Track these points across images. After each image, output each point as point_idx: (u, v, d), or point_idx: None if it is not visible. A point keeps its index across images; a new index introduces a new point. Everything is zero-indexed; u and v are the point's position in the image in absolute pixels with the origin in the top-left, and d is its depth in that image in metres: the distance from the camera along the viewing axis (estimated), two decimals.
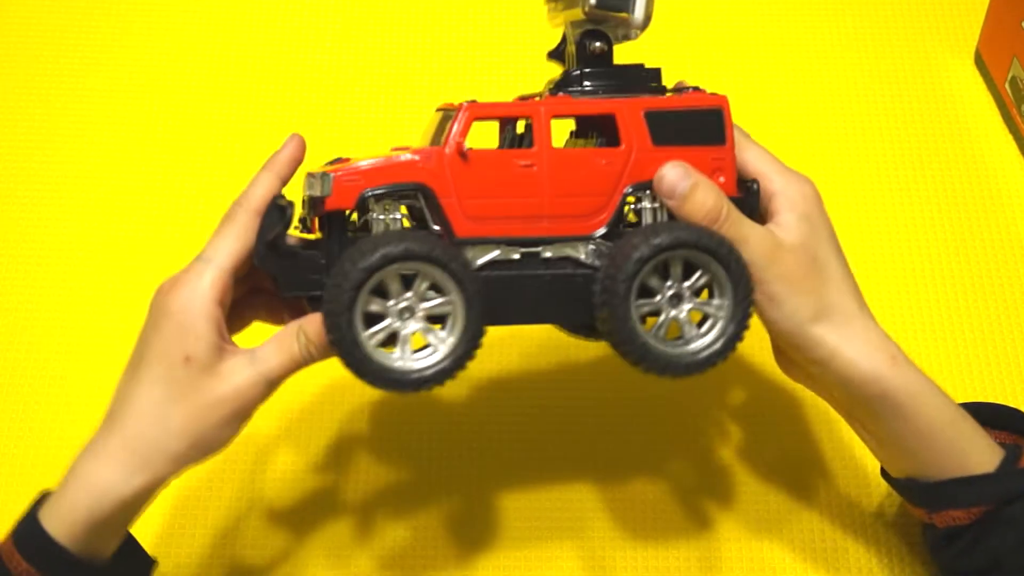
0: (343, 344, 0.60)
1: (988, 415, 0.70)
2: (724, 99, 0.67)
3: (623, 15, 0.65)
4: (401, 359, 0.61)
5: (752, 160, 0.68)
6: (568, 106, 0.65)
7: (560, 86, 0.67)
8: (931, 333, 0.86)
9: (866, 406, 0.67)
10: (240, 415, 0.63)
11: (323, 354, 0.63)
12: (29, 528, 0.62)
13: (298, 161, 0.67)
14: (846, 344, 0.65)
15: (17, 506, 0.77)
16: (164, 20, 1.02)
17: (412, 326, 0.62)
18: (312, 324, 0.62)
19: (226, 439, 0.63)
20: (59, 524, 0.62)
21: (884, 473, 0.72)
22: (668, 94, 0.67)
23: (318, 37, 1.01)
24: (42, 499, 0.64)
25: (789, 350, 0.68)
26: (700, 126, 0.66)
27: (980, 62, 1.00)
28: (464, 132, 0.63)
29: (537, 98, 0.68)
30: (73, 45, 1.00)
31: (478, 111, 0.63)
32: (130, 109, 0.97)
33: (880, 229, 0.91)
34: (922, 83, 0.99)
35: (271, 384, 0.63)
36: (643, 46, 1.03)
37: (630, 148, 0.65)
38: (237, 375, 0.62)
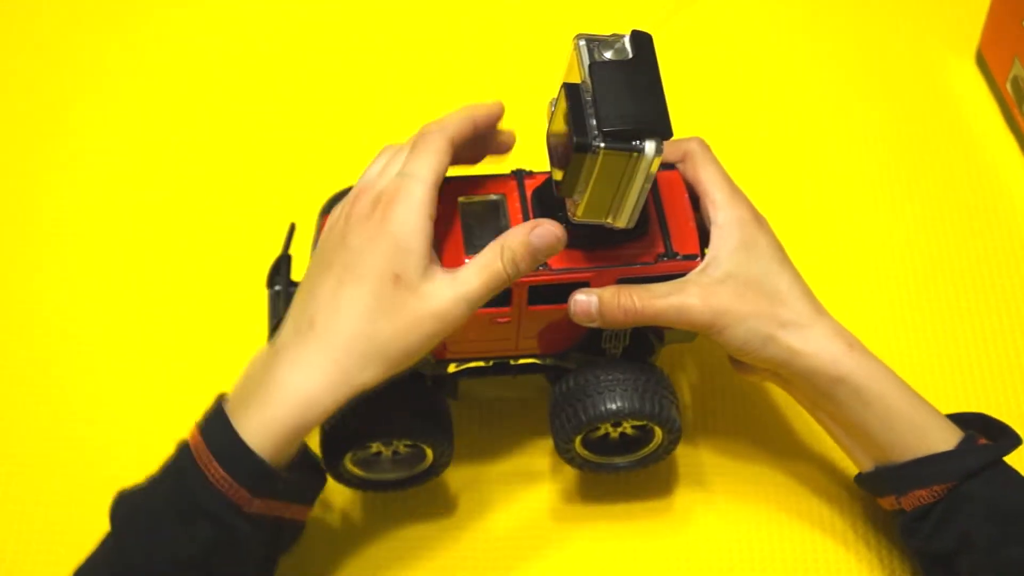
0: None
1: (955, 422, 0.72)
2: (695, 264, 0.70)
3: (608, 221, 0.68)
4: None
5: (703, 181, 0.71)
6: (544, 277, 0.69)
7: None
8: (931, 333, 0.86)
9: (829, 394, 0.70)
10: (441, 333, 0.65)
11: (529, 268, 0.66)
12: (226, 439, 0.63)
13: (494, 122, 0.70)
14: (804, 344, 0.69)
15: (17, 505, 0.77)
16: (163, 20, 1.03)
17: None
18: (515, 238, 0.65)
19: (426, 352, 0.65)
20: (259, 436, 0.63)
21: (856, 478, 0.74)
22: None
23: (320, 31, 1.02)
24: (221, 402, 0.65)
25: (749, 362, 0.71)
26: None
27: (981, 62, 0.99)
28: None
29: (524, 174, 0.72)
30: (74, 45, 1.01)
31: None
32: (130, 109, 0.97)
33: (880, 229, 0.91)
34: (923, 83, 0.99)
35: (472, 304, 0.65)
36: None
37: None
38: (440, 296, 0.64)
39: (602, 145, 0.63)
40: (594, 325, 0.69)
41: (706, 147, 0.73)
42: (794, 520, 0.78)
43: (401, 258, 0.64)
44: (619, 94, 0.64)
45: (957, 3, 1.03)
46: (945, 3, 1.03)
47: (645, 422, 0.72)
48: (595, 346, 0.73)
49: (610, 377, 0.71)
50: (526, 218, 0.70)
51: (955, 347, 0.86)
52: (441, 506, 0.78)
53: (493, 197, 0.71)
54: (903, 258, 0.90)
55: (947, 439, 0.69)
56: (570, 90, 0.65)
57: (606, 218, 0.67)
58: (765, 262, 0.70)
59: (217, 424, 0.64)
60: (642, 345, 0.74)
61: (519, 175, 0.72)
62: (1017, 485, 0.69)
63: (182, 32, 1.02)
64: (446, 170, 0.66)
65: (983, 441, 0.69)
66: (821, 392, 0.70)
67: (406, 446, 0.73)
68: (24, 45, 1.01)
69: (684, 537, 0.77)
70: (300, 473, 0.67)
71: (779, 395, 0.82)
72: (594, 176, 0.64)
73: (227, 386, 0.67)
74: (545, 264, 0.68)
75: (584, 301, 0.68)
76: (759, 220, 0.71)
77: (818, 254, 0.88)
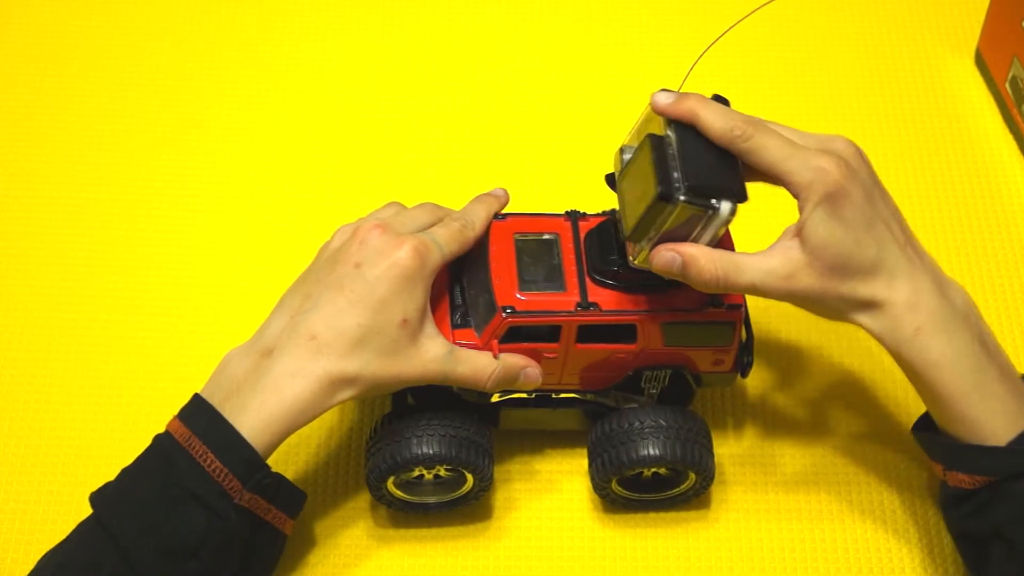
0: None
1: None
2: (739, 314, 0.72)
3: None
4: None
5: (767, 159, 0.67)
6: (594, 317, 0.71)
7: (596, 268, 0.72)
8: None
9: (898, 366, 0.70)
10: (416, 384, 0.70)
11: (499, 389, 0.72)
12: (222, 431, 0.66)
13: (502, 208, 0.76)
14: (872, 322, 0.68)
15: (18, 505, 0.77)
16: (161, 19, 1.02)
17: None
18: (513, 363, 0.71)
19: (392, 391, 0.71)
20: (252, 435, 0.66)
21: (913, 428, 0.74)
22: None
23: (319, 38, 1.02)
24: (204, 399, 0.68)
25: None
26: (712, 334, 0.73)
27: (980, 62, 0.99)
28: (498, 336, 0.71)
29: (579, 216, 0.75)
30: (74, 44, 1.01)
31: (514, 320, 0.70)
32: (129, 108, 0.97)
33: None
34: (922, 83, 0.99)
35: (448, 381, 0.70)
36: (642, 44, 1.03)
37: (643, 347, 0.72)
38: (432, 357, 0.69)
39: (683, 198, 0.65)
40: (672, 276, 0.68)
41: (751, 122, 0.68)
42: (823, 519, 0.78)
43: (412, 305, 0.68)
44: (701, 154, 0.66)
45: (956, 3, 1.03)
46: (944, 3, 1.03)
47: (682, 468, 0.74)
48: (635, 386, 0.75)
49: (648, 424, 0.73)
50: (578, 258, 0.73)
51: None
52: (472, 517, 0.78)
53: (547, 236, 0.74)
54: None
55: (1003, 430, 0.67)
56: (655, 141, 0.67)
57: None
58: (852, 229, 0.66)
59: (206, 418, 0.66)
60: (680, 387, 0.75)
61: (574, 216, 0.75)
62: None
63: (181, 31, 1.02)
64: (461, 253, 0.72)
65: None
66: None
67: (447, 470, 0.74)
68: (25, 44, 1.01)
69: (712, 538, 0.77)
70: (283, 482, 0.69)
71: (804, 391, 0.83)
72: (667, 226, 0.66)
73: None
74: (595, 305, 0.71)
75: (675, 258, 0.67)
76: (839, 184, 0.66)
77: None
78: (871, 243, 0.67)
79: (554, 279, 0.72)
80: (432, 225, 0.73)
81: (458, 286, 0.73)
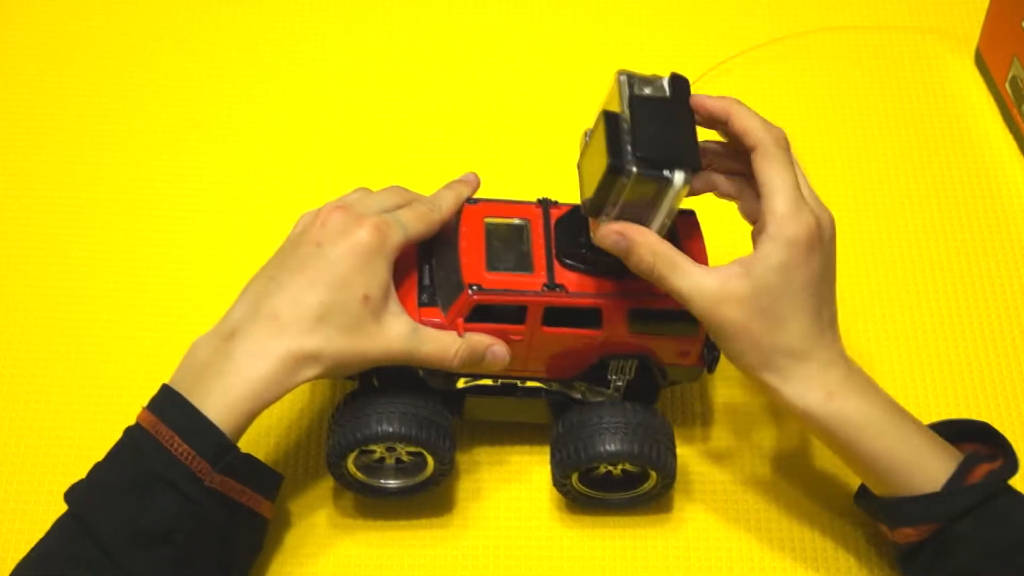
0: None
1: (957, 431, 0.71)
2: None
3: None
4: None
5: (766, 184, 0.67)
6: (560, 299, 0.71)
7: (564, 252, 0.72)
8: (931, 333, 0.86)
9: (818, 438, 0.70)
10: (380, 364, 0.70)
11: (464, 367, 0.71)
12: (186, 415, 0.66)
13: (473, 192, 0.76)
14: (783, 386, 0.67)
15: (18, 505, 0.77)
16: (161, 19, 1.02)
17: None
18: (479, 340, 0.71)
19: (358, 371, 0.72)
20: (219, 417, 0.66)
21: (855, 498, 0.73)
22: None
23: (319, 38, 1.02)
24: (170, 387, 0.68)
25: None
26: (677, 324, 0.72)
27: (980, 62, 1.00)
28: (464, 314, 0.71)
29: (550, 204, 0.75)
30: (74, 44, 1.01)
31: (480, 298, 0.70)
32: (129, 108, 0.97)
33: (880, 229, 0.91)
34: (922, 83, 0.99)
35: (412, 360, 0.70)
36: (639, 43, 1.03)
37: (608, 333, 0.72)
38: (395, 335, 0.69)
39: (635, 169, 0.65)
40: (617, 255, 0.69)
41: (781, 143, 0.69)
42: (788, 522, 0.78)
43: (374, 282, 0.69)
44: (656, 127, 0.67)
45: (956, 3, 1.03)
46: (944, 3, 1.03)
47: (642, 467, 0.74)
48: (601, 376, 0.74)
49: (612, 420, 0.73)
50: (547, 243, 0.73)
51: (954, 347, 0.86)
52: (437, 508, 0.78)
53: (518, 221, 0.74)
54: (901, 257, 0.90)
55: (937, 476, 0.67)
56: (609, 117, 0.68)
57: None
58: (793, 291, 0.66)
59: (172, 404, 0.67)
60: (646, 384, 0.75)
61: (545, 204, 0.76)
62: (1011, 518, 0.67)
63: (180, 30, 1.02)
64: (427, 235, 0.72)
65: (976, 474, 0.67)
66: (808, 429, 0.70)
67: (409, 453, 0.74)
68: (25, 44, 1.01)
69: (682, 538, 0.77)
70: (255, 464, 0.69)
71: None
72: (622, 199, 0.67)
73: None
74: (562, 286, 0.71)
75: (620, 240, 0.68)
76: (812, 246, 0.67)
77: None
78: (806, 311, 0.67)
79: (523, 263, 0.72)
80: (396, 206, 0.73)
81: (427, 267, 0.73)
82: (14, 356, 0.84)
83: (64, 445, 0.80)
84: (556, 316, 0.71)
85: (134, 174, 0.93)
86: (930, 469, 0.67)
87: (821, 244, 0.67)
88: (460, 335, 0.71)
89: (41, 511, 0.77)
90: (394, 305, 0.70)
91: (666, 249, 0.67)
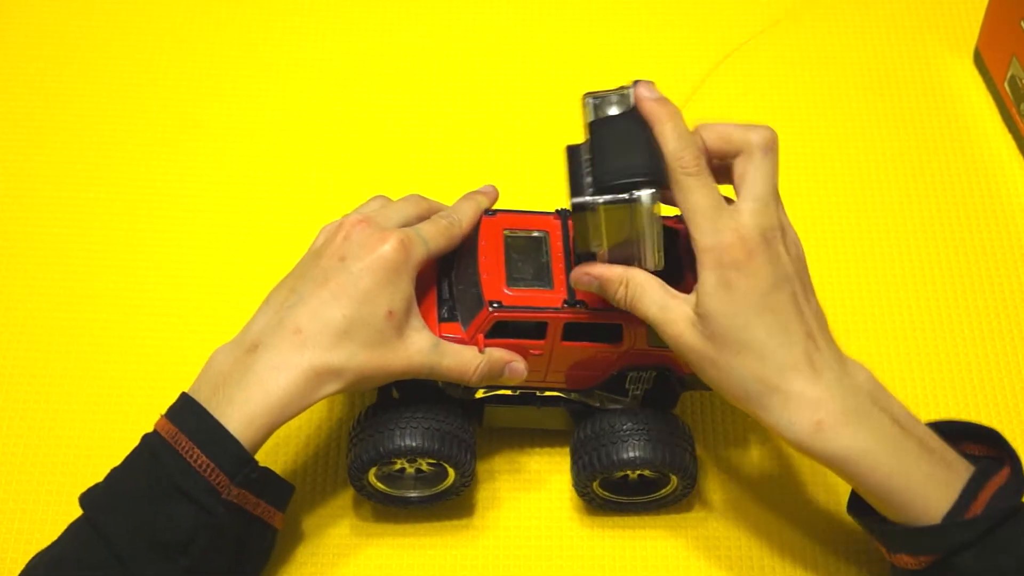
0: None
1: (963, 431, 0.69)
2: None
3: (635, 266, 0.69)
4: None
5: (688, 204, 0.65)
6: (580, 316, 0.71)
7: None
8: (930, 333, 0.86)
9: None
10: (402, 378, 0.70)
11: (484, 383, 0.72)
12: (207, 427, 0.66)
13: (491, 204, 0.76)
14: (768, 417, 0.65)
15: (18, 505, 0.77)
16: (161, 19, 1.02)
17: None
18: (498, 357, 0.71)
19: (380, 384, 0.72)
20: (239, 429, 0.66)
21: (849, 504, 0.71)
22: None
23: (319, 38, 1.02)
24: (191, 396, 0.67)
25: None
26: None
27: (979, 61, 1.00)
28: (484, 331, 0.71)
29: (568, 214, 0.74)
30: (74, 44, 1.01)
31: (500, 315, 0.70)
32: (129, 108, 0.97)
33: (879, 229, 0.91)
34: (922, 82, 0.99)
35: (433, 375, 0.70)
36: (636, 43, 1.03)
37: (628, 346, 0.72)
38: (418, 350, 0.69)
39: (600, 201, 0.65)
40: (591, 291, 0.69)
41: (766, 147, 0.66)
42: (816, 523, 0.78)
43: (398, 297, 0.69)
44: (614, 149, 0.66)
45: (955, 3, 1.03)
46: (943, 3, 1.03)
47: (663, 472, 0.74)
48: (619, 386, 0.75)
49: (631, 426, 0.73)
50: (567, 256, 0.73)
51: (954, 347, 0.86)
52: (457, 514, 0.78)
53: (536, 233, 0.74)
54: (901, 257, 0.90)
55: (939, 505, 0.64)
56: (570, 152, 0.68)
57: (634, 263, 0.68)
58: (741, 309, 0.64)
59: (192, 414, 0.66)
60: (665, 389, 0.75)
61: (563, 215, 0.75)
62: (1011, 548, 0.64)
63: (180, 29, 1.02)
64: (448, 250, 0.72)
65: (982, 498, 0.64)
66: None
67: (429, 464, 0.74)
68: (25, 44, 1.01)
69: (702, 541, 0.77)
70: (271, 476, 0.69)
71: None
72: (603, 229, 0.66)
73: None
74: (583, 302, 0.71)
75: (591, 279, 0.68)
76: (742, 261, 0.64)
77: (815, 254, 0.88)
78: (760, 328, 0.64)
79: (542, 276, 0.72)
80: (418, 216, 0.73)
81: (446, 281, 0.73)
82: (14, 356, 0.84)
83: (64, 445, 0.80)
84: (576, 331, 0.72)
85: (134, 174, 0.93)
86: (931, 498, 0.64)
87: (759, 255, 0.64)
88: (480, 351, 0.71)
89: (41, 511, 0.77)
90: (416, 320, 0.70)
91: (634, 276, 0.67)
